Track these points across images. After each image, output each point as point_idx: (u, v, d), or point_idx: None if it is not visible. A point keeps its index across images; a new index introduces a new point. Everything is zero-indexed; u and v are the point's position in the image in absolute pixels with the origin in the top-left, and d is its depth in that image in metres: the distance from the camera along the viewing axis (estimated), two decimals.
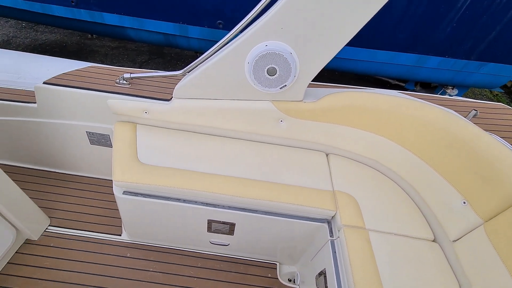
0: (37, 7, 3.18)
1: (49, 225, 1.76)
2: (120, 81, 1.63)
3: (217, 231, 1.54)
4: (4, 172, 1.38)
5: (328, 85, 1.70)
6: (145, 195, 1.40)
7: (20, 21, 5.12)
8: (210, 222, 1.49)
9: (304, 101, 1.49)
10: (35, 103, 1.65)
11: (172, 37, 3.35)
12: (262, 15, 1.23)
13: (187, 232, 1.58)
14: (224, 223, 1.47)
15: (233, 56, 1.32)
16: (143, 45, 5.13)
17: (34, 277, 1.54)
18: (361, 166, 1.64)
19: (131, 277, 1.60)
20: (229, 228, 1.50)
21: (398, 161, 1.53)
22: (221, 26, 3.08)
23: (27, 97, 1.68)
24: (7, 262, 1.56)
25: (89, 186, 2.00)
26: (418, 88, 3.66)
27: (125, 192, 1.41)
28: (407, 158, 1.50)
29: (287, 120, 1.53)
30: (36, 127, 1.76)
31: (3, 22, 5.05)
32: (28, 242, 1.67)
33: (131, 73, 1.61)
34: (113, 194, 1.41)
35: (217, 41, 1.30)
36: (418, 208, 1.49)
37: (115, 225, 1.80)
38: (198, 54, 3.81)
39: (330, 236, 1.38)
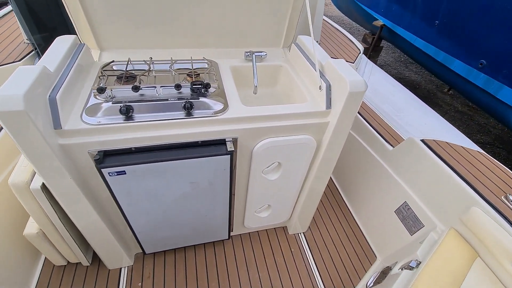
0: (440, 57, 3.24)
1: (303, 232, 1.89)
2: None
3: None
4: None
5: None
6: None
7: (404, 56, 5.82)
8: None
9: None
10: (393, 146, 1.62)
11: None
12: None
13: None
14: None
15: None
16: (496, 126, 4.07)
17: None
18: None
19: None
20: None
21: None
22: None
23: (391, 137, 1.67)
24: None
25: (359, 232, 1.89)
26: None
27: None
28: None
29: None
30: (376, 166, 1.78)
31: (391, 52, 6.00)
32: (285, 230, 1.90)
33: None
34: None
35: None
36: None
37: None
38: None
39: None
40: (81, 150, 0.99)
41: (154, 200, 1.23)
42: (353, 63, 2.07)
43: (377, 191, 1.74)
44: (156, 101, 1.06)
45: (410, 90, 2.16)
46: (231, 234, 1.78)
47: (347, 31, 7.02)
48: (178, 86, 1.09)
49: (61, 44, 1.15)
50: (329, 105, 1.17)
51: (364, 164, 1.84)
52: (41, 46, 1.94)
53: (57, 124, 0.93)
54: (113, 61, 1.27)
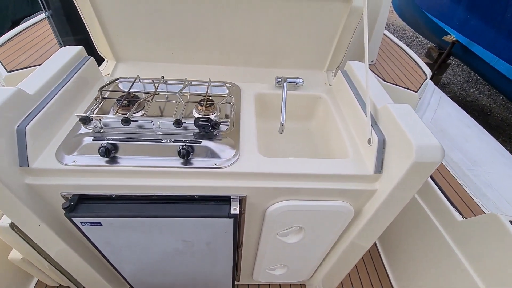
0: None
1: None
2: None
3: None
4: None
5: None
6: None
7: (474, 75, 4.97)
8: None
9: None
10: (464, 217, 1.19)
11: None
12: None
13: None
14: None
15: None
16: None
17: None
18: None
19: None
20: None
21: None
22: None
23: (462, 203, 1.23)
24: None
25: None
26: None
27: None
28: None
29: None
30: (434, 237, 1.33)
31: (459, 70, 5.15)
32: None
33: None
34: None
35: None
36: None
37: None
38: None
39: None
40: (52, 191, 0.81)
41: (140, 252, 1.02)
42: (416, 92, 1.64)
43: (433, 270, 1.31)
44: (147, 141, 0.84)
45: (480, 118, 1.64)
46: (238, 283, 1.52)
47: (409, 43, 6.21)
48: (178, 123, 0.85)
49: (60, 57, 1.00)
50: (379, 168, 0.83)
51: (418, 230, 1.42)
52: None
53: (23, 161, 0.75)
54: (118, 79, 1.09)
